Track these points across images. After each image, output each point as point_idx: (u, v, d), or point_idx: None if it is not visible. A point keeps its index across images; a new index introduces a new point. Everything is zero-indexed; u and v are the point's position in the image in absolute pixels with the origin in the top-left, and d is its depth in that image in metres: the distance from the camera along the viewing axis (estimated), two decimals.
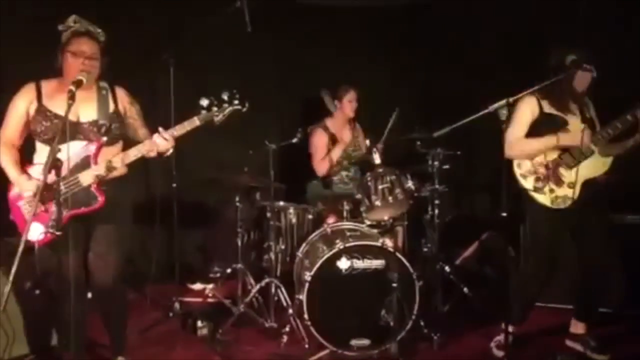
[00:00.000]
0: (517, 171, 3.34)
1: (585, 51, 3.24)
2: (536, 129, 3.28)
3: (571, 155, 3.28)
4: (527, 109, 3.28)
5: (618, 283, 3.46)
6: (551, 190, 3.28)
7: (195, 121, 2.90)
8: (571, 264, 3.54)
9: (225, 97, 2.94)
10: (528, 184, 3.30)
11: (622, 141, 3.29)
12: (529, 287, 3.40)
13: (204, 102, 2.91)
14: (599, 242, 3.32)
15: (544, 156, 3.30)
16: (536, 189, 3.26)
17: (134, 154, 2.87)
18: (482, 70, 4.62)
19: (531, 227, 3.41)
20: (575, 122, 3.28)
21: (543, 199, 3.27)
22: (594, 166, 3.28)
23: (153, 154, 2.90)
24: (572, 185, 3.26)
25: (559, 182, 3.27)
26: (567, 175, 3.28)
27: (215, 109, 2.92)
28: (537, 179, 3.25)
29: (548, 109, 3.29)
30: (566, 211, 3.28)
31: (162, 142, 2.86)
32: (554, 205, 3.28)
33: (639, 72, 4.12)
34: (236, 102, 2.95)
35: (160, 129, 2.89)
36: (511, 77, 3.37)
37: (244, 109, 2.98)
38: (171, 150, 2.96)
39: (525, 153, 3.29)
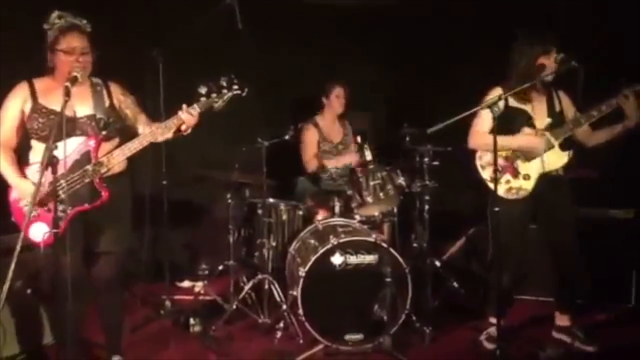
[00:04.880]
0: (478, 162, 3.40)
1: (548, 35, 3.27)
2: (500, 123, 3.20)
3: None
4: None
5: (583, 276, 3.44)
6: (507, 182, 3.33)
7: (196, 108, 2.87)
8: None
9: (224, 82, 2.90)
10: (486, 174, 3.33)
11: (610, 127, 3.31)
12: (499, 278, 3.35)
13: (203, 89, 2.88)
14: (563, 235, 3.37)
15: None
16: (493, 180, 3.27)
17: (143, 140, 2.83)
18: (472, 66, 4.67)
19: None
20: (540, 117, 3.31)
21: (498, 189, 3.28)
22: (552, 159, 3.31)
23: (168, 135, 2.88)
24: (527, 177, 3.31)
25: (515, 173, 3.32)
26: (524, 167, 3.33)
27: (214, 95, 2.89)
28: (495, 170, 3.28)
29: (512, 102, 3.30)
30: (523, 202, 3.32)
31: (187, 116, 2.84)
32: (507, 195, 3.32)
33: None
34: (235, 87, 2.92)
35: (184, 106, 2.87)
36: (501, 72, 3.39)
37: (244, 94, 2.94)
38: (189, 131, 2.92)
39: (485, 145, 3.28)
